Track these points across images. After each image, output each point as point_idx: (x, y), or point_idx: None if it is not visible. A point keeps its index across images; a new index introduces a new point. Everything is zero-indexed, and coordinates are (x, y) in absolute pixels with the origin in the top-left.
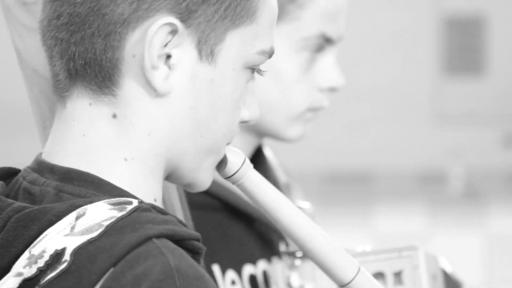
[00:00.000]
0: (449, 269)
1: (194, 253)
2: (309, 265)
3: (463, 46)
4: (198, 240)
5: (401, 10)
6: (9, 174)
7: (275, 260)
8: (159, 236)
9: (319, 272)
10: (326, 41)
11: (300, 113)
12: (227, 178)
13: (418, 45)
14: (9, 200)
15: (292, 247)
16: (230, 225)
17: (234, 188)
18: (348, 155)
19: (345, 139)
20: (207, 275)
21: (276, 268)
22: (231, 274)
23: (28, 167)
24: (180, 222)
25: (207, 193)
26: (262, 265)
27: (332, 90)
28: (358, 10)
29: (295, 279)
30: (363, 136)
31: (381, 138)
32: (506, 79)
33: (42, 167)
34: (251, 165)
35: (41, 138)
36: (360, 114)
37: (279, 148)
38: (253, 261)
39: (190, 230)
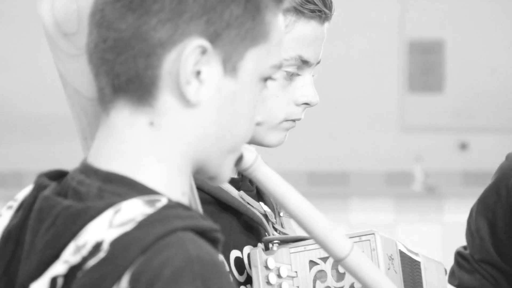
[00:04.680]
0: (405, 250)
1: (213, 241)
2: (285, 251)
3: (424, 67)
4: (217, 231)
5: (371, 35)
6: (60, 175)
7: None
8: (183, 229)
9: (295, 257)
10: (303, 63)
11: (278, 123)
12: (243, 171)
13: (386, 65)
14: (59, 199)
15: (272, 235)
16: (220, 217)
17: (223, 185)
18: (327, 158)
19: (325, 145)
20: (222, 263)
21: (255, 252)
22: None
23: (76, 169)
24: (202, 216)
25: (200, 189)
26: (247, 250)
27: (307, 105)
28: (333, 35)
29: (271, 262)
30: (340, 143)
31: (355, 144)
32: (460, 95)
33: (87, 170)
34: (262, 160)
35: (83, 147)
36: (337, 124)
37: (269, 152)
38: (240, 247)
39: (210, 223)
